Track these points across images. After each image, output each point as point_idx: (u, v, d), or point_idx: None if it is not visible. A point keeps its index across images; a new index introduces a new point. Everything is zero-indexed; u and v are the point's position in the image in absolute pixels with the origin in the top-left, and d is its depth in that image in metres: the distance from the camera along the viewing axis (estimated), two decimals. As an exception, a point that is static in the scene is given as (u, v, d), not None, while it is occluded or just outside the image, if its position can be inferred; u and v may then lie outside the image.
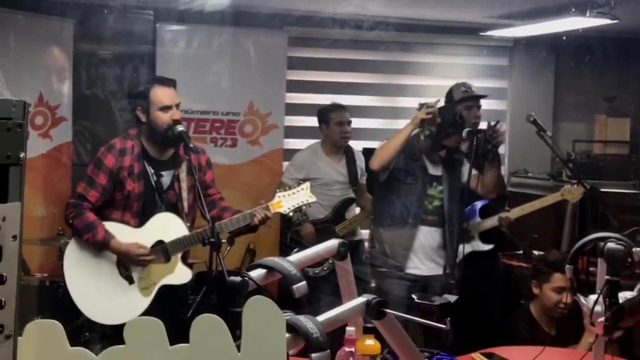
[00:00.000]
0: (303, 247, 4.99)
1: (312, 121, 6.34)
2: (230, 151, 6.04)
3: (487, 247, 4.79)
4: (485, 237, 4.79)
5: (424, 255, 4.46)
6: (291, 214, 4.11)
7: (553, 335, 3.89)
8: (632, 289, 2.30)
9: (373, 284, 4.90)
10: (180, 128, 3.90)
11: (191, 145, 3.87)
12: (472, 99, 4.91)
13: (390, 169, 4.48)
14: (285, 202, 4.04)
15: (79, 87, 5.82)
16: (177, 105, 3.95)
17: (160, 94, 3.92)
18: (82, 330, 4.45)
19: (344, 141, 5.43)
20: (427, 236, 4.47)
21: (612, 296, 2.24)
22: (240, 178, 5.90)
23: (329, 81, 6.50)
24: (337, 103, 5.67)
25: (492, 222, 4.76)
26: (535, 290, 4.00)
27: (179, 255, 3.99)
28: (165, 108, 3.90)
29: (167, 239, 3.94)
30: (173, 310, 4.12)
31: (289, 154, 6.12)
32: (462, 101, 4.89)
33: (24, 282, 4.75)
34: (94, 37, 5.77)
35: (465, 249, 4.70)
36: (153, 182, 3.97)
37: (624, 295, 2.26)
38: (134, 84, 4.03)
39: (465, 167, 4.58)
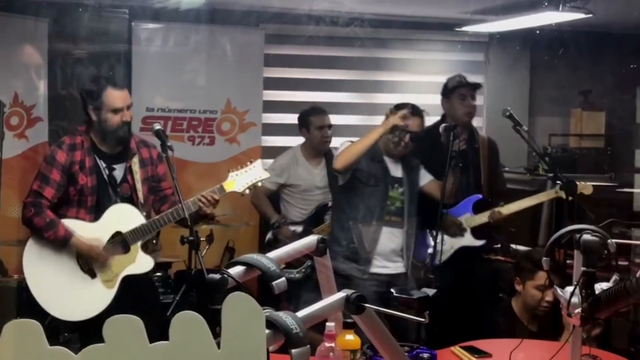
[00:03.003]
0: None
1: (290, 118, 6.34)
2: (208, 149, 6.03)
3: (479, 242, 4.81)
4: (477, 232, 4.81)
5: (386, 256, 4.46)
6: (247, 191, 4.05)
7: (533, 331, 3.90)
8: (608, 280, 2.32)
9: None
10: (157, 127, 3.93)
11: (169, 144, 3.86)
12: (465, 87, 4.89)
13: (352, 171, 4.44)
14: (239, 180, 4.02)
15: (54, 87, 5.79)
16: (129, 107, 4.00)
17: (112, 97, 3.95)
18: (60, 330, 4.44)
19: (324, 145, 5.41)
20: (390, 237, 4.46)
21: (589, 287, 2.26)
22: (218, 176, 5.83)
23: (306, 78, 6.51)
24: (317, 106, 5.61)
25: (483, 217, 4.78)
26: (518, 287, 4.00)
27: (139, 244, 3.98)
28: (117, 110, 3.94)
29: (125, 229, 3.94)
30: (138, 300, 4.11)
31: (267, 151, 6.12)
32: (455, 89, 4.88)
33: (1, 284, 4.72)
34: (69, 36, 5.73)
35: (455, 244, 4.75)
36: (105, 176, 3.99)
37: (600, 287, 2.28)
38: (88, 82, 4.08)
39: (422, 172, 4.60)
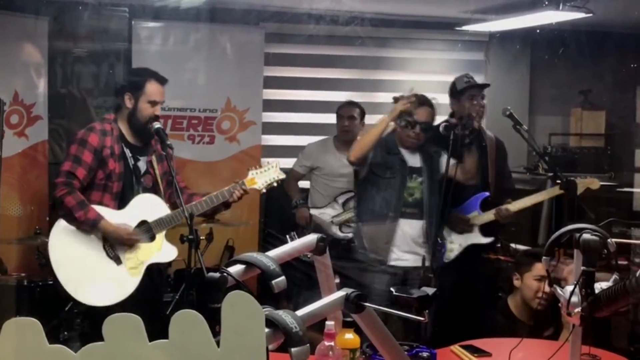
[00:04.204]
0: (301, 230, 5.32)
1: (290, 117, 6.35)
2: (208, 148, 6.03)
3: (487, 240, 4.80)
4: (485, 230, 4.81)
5: (404, 247, 4.50)
6: (264, 190, 4.27)
7: (531, 325, 3.92)
8: (607, 280, 2.32)
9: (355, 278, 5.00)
10: (157, 125, 4.04)
11: (168, 143, 3.97)
12: (475, 88, 4.91)
13: (369, 164, 4.52)
14: (259, 179, 4.21)
15: (54, 85, 5.79)
16: (162, 103, 4.15)
17: (154, 89, 4.09)
18: (60, 329, 4.44)
19: (344, 135, 5.55)
20: (408, 229, 4.50)
21: (588, 287, 2.26)
22: (218, 175, 5.88)
23: (306, 77, 6.51)
24: (349, 100, 5.90)
25: (491, 215, 4.78)
26: (517, 283, 4.02)
27: (164, 233, 4.07)
28: (153, 102, 4.07)
29: (150, 218, 4.03)
30: (160, 290, 4.28)
31: (267, 150, 6.13)
32: (465, 91, 4.89)
33: (1, 282, 4.73)
34: (69, 34, 5.74)
35: (463, 242, 4.75)
36: (131, 165, 4.08)
37: (599, 286, 2.28)
38: (114, 80, 4.27)
39: (443, 158, 4.60)
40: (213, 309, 1.64)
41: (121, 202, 4.04)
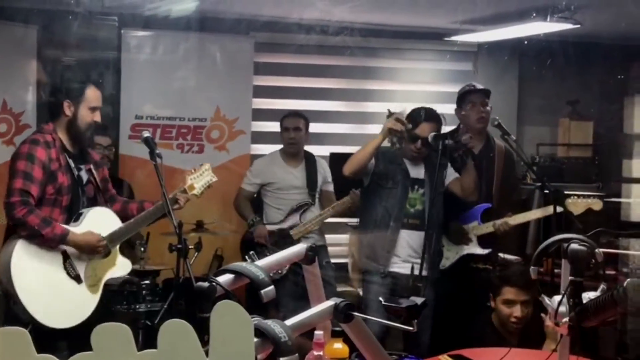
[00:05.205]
0: (260, 248, 5.16)
1: (279, 126, 6.34)
2: (197, 157, 6.01)
3: (484, 251, 4.82)
4: (484, 241, 4.83)
5: (405, 257, 4.52)
6: (199, 196, 4.18)
7: (515, 343, 3.89)
8: (595, 290, 2.33)
9: (359, 289, 5.02)
10: (146, 134, 4.02)
11: (157, 152, 3.91)
12: (475, 94, 4.93)
13: (371, 174, 4.55)
14: (197, 183, 4.12)
15: (42, 94, 5.77)
16: (100, 108, 4.08)
17: (94, 95, 4.02)
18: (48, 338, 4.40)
19: (290, 147, 5.45)
20: (408, 240, 4.53)
21: (576, 296, 2.27)
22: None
23: (296, 86, 6.51)
24: (293, 110, 5.72)
25: (489, 227, 4.79)
26: (492, 303, 3.99)
27: (117, 247, 4.04)
28: (93, 109, 4.00)
29: (104, 233, 3.96)
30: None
31: (256, 159, 6.12)
32: (466, 96, 4.93)
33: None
34: (58, 43, 5.72)
35: (460, 251, 4.77)
36: (75, 176, 3.99)
37: (587, 296, 2.29)
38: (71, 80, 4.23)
39: (449, 171, 4.63)
40: (202, 318, 1.64)
41: (69, 215, 3.94)
